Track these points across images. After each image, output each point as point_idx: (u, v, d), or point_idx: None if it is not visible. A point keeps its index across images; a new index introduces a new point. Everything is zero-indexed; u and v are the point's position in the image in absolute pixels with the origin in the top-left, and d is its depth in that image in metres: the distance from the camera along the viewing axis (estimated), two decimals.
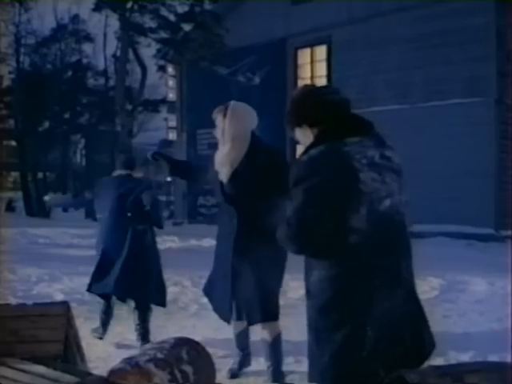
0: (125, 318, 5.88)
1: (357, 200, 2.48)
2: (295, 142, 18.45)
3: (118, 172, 5.63)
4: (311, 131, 2.68)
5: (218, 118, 4.17)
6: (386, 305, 2.52)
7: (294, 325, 4.59)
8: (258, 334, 4.36)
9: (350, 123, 2.65)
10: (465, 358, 4.75)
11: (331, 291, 2.54)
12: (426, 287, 7.94)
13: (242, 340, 4.56)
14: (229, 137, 4.08)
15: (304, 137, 2.73)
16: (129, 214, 5.30)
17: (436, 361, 2.91)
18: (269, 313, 4.12)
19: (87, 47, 36.34)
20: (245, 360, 4.59)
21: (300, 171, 2.54)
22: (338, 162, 2.50)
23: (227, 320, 4.20)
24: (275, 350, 4.21)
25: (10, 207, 31.21)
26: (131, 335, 5.48)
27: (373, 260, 2.52)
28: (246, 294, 4.07)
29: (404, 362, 2.53)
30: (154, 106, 33.89)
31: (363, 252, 2.51)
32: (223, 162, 4.12)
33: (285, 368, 4.34)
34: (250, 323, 4.25)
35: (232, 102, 4.22)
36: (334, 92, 2.75)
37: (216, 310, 4.29)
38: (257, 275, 4.02)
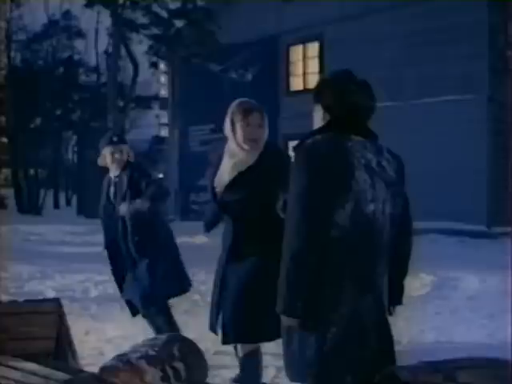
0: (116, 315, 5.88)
1: (346, 195, 2.52)
2: (287, 138, 18.27)
3: None
4: (323, 115, 2.73)
5: (254, 115, 3.63)
6: (354, 307, 2.54)
7: None
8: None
9: (356, 124, 2.69)
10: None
11: None
12: (418, 284, 7.95)
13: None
14: (263, 136, 3.67)
15: (317, 116, 2.77)
16: None
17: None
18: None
19: (79, 43, 36.14)
20: None
21: (305, 153, 2.59)
22: (339, 153, 2.57)
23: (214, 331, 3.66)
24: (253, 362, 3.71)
25: (1, 204, 31.04)
26: (122, 331, 5.47)
27: (348, 259, 2.54)
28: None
29: (372, 369, 2.53)
30: (146, 102, 33.77)
31: (340, 249, 2.53)
32: (236, 168, 3.65)
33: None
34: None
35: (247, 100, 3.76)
36: (356, 93, 2.70)
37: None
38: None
